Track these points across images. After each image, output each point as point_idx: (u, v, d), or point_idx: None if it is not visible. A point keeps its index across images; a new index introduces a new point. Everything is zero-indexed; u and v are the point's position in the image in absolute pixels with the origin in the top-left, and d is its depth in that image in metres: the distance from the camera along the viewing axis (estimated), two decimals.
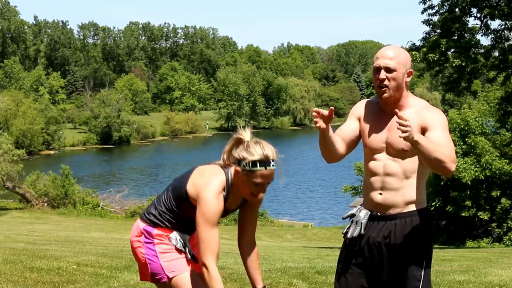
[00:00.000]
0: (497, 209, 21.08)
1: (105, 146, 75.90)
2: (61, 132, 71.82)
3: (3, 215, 28.87)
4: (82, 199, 33.90)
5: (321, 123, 3.13)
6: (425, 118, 3.06)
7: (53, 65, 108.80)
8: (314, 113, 3.19)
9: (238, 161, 3.12)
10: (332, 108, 3.17)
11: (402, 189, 3.09)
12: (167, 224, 3.31)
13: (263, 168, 3.08)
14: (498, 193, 21.02)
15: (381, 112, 3.19)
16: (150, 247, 3.31)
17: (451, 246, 20.19)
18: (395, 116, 3.01)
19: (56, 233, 17.25)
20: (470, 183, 20.34)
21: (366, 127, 3.21)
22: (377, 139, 3.16)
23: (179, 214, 3.29)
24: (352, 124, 3.29)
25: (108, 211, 33.54)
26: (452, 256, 10.60)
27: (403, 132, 2.82)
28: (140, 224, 3.39)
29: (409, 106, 3.14)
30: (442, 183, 21.11)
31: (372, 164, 3.17)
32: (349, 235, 3.18)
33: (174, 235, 3.31)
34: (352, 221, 3.21)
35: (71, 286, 5.72)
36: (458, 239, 21.81)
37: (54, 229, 20.62)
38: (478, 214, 21.09)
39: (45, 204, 32.85)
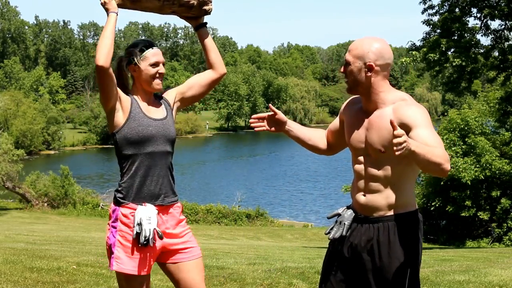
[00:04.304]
0: (497, 209, 21.09)
1: (105, 146, 75.84)
2: (61, 132, 71.81)
3: (3, 215, 28.85)
4: (82, 199, 33.89)
5: (267, 127, 3.19)
6: (405, 116, 2.78)
7: (53, 65, 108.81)
8: (251, 121, 3.22)
9: (129, 60, 3.20)
10: (270, 105, 3.20)
11: (385, 192, 2.88)
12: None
13: (150, 49, 3.19)
14: (498, 193, 21.03)
15: (361, 111, 2.99)
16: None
17: (451, 246, 20.19)
18: (373, 115, 2.87)
19: (56, 233, 17.24)
20: (470, 183, 20.34)
21: (348, 126, 3.05)
22: (356, 140, 2.97)
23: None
24: (336, 121, 3.21)
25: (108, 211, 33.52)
26: (452, 256, 10.60)
27: (399, 150, 2.50)
28: None
29: (384, 103, 2.88)
30: (442, 183, 21.11)
31: (356, 167, 3.00)
32: (331, 236, 3.02)
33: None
34: (336, 221, 3.05)
35: (71, 286, 5.72)
36: (458, 239, 21.81)
37: (54, 229, 20.60)
38: (478, 214, 21.09)
39: (45, 204, 32.84)
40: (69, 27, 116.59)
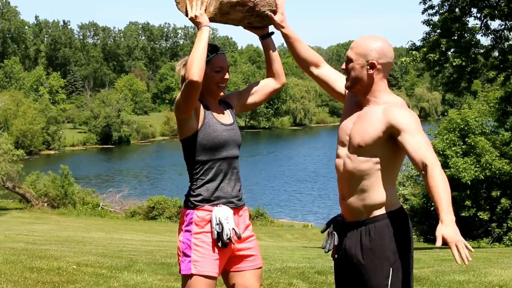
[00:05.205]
0: (497, 209, 21.07)
1: (105, 146, 75.91)
2: (61, 132, 71.86)
3: (3, 215, 28.86)
4: (82, 199, 33.91)
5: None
6: (394, 118, 2.78)
7: (53, 65, 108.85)
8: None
9: None
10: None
11: (363, 192, 2.85)
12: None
13: (215, 54, 3.15)
14: (498, 193, 21.01)
15: (357, 104, 2.98)
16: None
17: None
18: (364, 110, 2.89)
19: (56, 233, 17.24)
20: (470, 183, 20.33)
21: (343, 114, 3.03)
22: (343, 130, 2.95)
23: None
24: (340, 78, 3.17)
25: (108, 211, 33.55)
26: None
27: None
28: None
29: (379, 103, 2.87)
30: None
31: (336, 162, 2.97)
32: (326, 250, 3.00)
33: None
34: (328, 233, 3.04)
35: (71, 286, 5.72)
36: None
37: (54, 229, 20.61)
38: (478, 214, 21.08)
39: (45, 204, 32.86)
40: (69, 27, 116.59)
